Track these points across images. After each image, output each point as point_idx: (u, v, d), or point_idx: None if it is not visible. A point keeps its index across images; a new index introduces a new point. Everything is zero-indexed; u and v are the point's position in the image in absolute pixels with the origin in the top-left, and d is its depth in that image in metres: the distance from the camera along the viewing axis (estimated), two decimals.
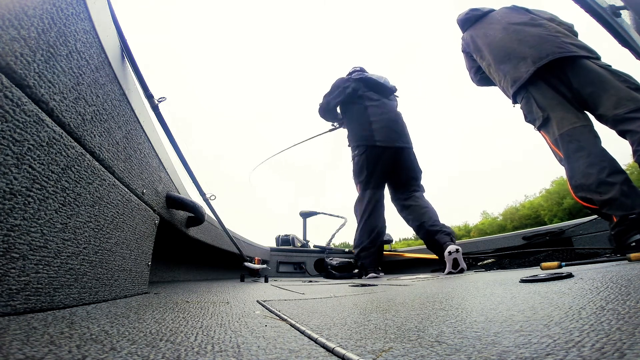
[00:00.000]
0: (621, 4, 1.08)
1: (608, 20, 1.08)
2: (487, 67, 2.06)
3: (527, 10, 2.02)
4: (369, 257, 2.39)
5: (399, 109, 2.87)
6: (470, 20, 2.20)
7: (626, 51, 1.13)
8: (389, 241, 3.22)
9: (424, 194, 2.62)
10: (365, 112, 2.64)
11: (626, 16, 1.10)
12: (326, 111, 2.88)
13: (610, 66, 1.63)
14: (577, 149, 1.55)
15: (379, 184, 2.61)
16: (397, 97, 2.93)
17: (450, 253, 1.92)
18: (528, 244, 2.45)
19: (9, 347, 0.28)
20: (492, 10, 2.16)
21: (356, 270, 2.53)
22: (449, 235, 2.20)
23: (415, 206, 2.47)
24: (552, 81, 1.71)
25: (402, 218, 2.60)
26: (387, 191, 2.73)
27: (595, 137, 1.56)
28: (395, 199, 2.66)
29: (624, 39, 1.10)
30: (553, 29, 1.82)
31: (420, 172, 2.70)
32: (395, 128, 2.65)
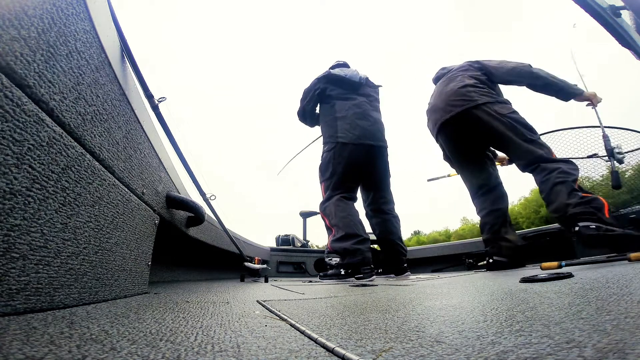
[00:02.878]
0: (621, 4, 1.08)
1: (608, 20, 1.08)
2: None
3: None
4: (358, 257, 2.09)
5: (379, 101, 2.60)
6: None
7: (626, 51, 1.13)
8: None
9: (394, 207, 2.48)
10: (332, 109, 2.46)
11: (626, 16, 1.10)
12: (304, 117, 2.71)
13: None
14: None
15: (346, 185, 2.33)
16: (377, 87, 2.64)
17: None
18: (528, 244, 2.45)
19: (9, 347, 0.28)
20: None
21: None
22: (405, 256, 2.38)
23: (387, 223, 2.41)
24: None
25: (367, 220, 2.49)
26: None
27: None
28: (367, 204, 2.50)
29: (624, 39, 1.10)
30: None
31: (388, 182, 2.51)
32: (364, 124, 2.37)
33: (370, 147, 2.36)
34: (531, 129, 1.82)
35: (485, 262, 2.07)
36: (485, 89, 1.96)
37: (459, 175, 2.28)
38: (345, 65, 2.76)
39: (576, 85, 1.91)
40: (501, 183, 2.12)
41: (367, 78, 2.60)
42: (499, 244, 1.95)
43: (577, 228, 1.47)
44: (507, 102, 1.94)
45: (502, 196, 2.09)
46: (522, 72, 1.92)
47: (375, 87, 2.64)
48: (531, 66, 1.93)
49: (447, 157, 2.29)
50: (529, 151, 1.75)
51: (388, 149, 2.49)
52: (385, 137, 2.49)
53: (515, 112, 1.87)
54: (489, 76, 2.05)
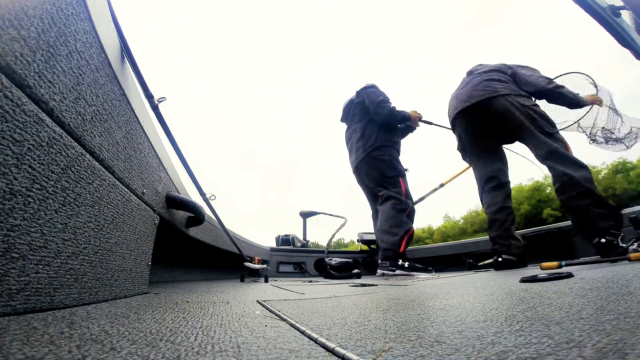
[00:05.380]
0: (621, 4, 1.08)
1: (608, 20, 1.08)
2: None
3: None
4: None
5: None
6: None
7: (626, 51, 1.13)
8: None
9: (389, 204, 2.46)
10: None
11: (626, 16, 1.10)
12: None
13: None
14: None
15: (370, 200, 2.79)
16: (360, 95, 2.70)
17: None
18: (528, 245, 2.45)
19: (9, 347, 0.28)
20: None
21: (355, 271, 2.52)
22: (385, 258, 2.34)
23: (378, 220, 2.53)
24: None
25: None
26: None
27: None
28: None
29: (624, 39, 1.10)
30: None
31: (384, 177, 2.51)
32: (356, 147, 2.65)
33: (360, 165, 2.64)
34: (551, 123, 1.88)
35: (492, 260, 2.08)
36: (510, 84, 2.01)
37: (471, 167, 2.28)
38: (366, 87, 2.77)
39: (578, 94, 2.02)
40: (510, 182, 2.17)
41: (351, 100, 2.77)
42: (509, 242, 1.96)
43: (603, 240, 1.55)
44: (530, 98, 1.99)
45: (510, 195, 2.13)
46: (544, 89, 1.95)
47: (360, 96, 2.70)
48: (551, 82, 1.97)
49: (461, 147, 2.30)
50: (546, 143, 1.80)
51: (375, 151, 2.55)
52: (368, 144, 2.58)
53: (537, 105, 1.93)
54: (515, 78, 2.09)
